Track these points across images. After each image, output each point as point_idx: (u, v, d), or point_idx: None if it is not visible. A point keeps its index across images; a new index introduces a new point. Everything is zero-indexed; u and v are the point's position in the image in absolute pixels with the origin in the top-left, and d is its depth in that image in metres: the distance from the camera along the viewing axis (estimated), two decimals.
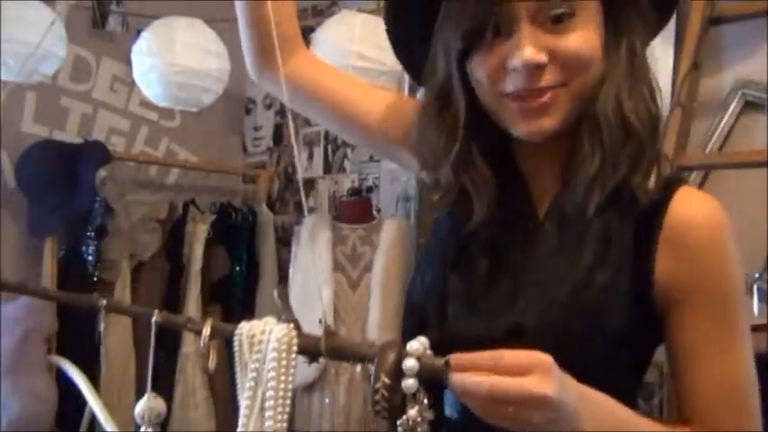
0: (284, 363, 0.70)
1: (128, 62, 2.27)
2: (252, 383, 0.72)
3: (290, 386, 0.70)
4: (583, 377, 0.67)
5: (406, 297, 0.92)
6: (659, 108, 0.79)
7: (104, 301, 0.94)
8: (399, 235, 2.39)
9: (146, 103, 2.85)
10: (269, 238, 2.95)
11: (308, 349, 0.71)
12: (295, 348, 0.71)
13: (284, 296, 0.75)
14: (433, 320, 0.82)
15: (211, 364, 0.78)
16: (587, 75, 0.76)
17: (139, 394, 0.91)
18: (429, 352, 0.64)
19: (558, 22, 0.73)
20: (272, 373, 0.70)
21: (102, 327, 0.95)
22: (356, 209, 2.50)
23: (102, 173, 2.67)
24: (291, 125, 1.04)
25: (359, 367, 2.42)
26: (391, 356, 0.64)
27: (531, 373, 0.61)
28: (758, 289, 1.70)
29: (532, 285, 0.78)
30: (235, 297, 2.85)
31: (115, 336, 2.53)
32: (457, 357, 0.63)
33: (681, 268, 0.76)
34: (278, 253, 2.96)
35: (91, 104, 2.92)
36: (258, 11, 0.94)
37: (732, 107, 1.89)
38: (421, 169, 0.90)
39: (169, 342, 2.63)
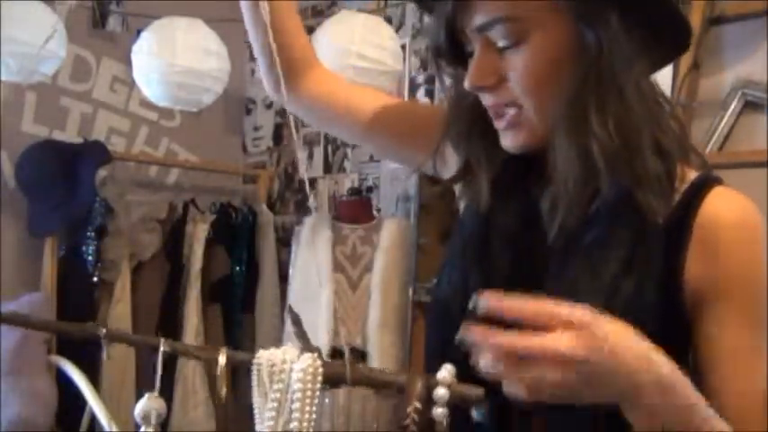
0: (309, 393, 0.70)
1: (128, 62, 2.27)
2: (273, 413, 0.71)
3: (314, 416, 0.70)
4: None
5: (433, 295, 0.93)
6: (648, 124, 0.77)
7: (104, 330, 0.93)
8: (399, 235, 2.39)
9: (146, 103, 2.85)
10: (269, 238, 2.95)
11: (333, 379, 0.71)
12: (320, 378, 0.70)
13: (297, 321, 0.74)
14: (458, 319, 0.82)
15: (223, 392, 0.77)
16: (540, 96, 0.77)
17: (139, 394, 0.91)
18: (455, 380, 0.66)
19: (506, 48, 0.77)
20: (297, 404, 0.69)
21: (105, 355, 0.94)
22: (356, 209, 2.50)
23: (102, 173, 2.67)
24: (292, 125, 1.04)
25: None
26: (420, 383, 0.66)
27: (554, 330, 0.60)
28: None
29: (554, 293, 0.77)
30: (235, 297, 2.85)
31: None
32: (478, 336, 0.61)
33: (712, 268, 0.75)
34: (278, 253, 2.96)
35: (91, 104, 2.92)
36: (274, 36, 0.95)
37: (732, 107, 1.89)
38: (442, 161, 0.92)
39: None
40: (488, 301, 0.62)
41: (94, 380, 2.36)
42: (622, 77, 0.75)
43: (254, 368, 0.73)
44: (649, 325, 0.73)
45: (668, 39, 0.80)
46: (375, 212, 2.59)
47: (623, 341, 0.63)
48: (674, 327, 0.77)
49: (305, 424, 0.69)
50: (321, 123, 1.13)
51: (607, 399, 0.63)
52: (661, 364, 0.64)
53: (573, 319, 0.61)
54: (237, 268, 2.86)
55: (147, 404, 0.89)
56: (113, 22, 2.92)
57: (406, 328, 2.32)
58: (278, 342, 2.80)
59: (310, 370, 0.70)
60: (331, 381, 0.71)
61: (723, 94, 1.92)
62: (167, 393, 2.54)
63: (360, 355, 2.28)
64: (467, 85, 0.79)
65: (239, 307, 2.85)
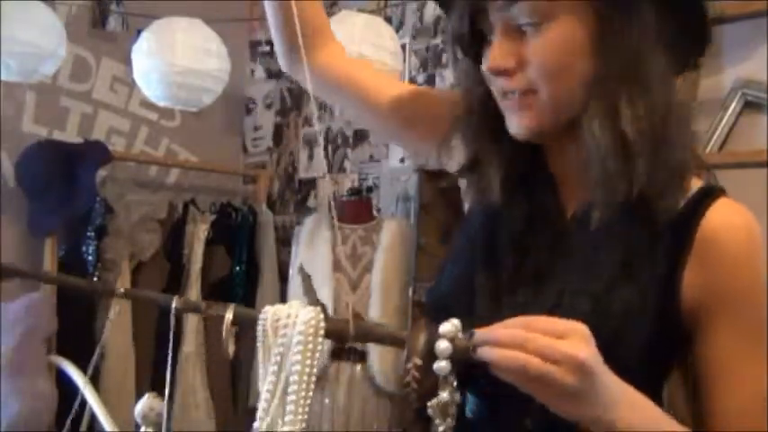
0: (310, 346, 0.68)
1: (128, 62, 2.27)
2: (275, 368, 0.70)
3: (314, 370, 0.69)
4: None
5: (431, 293, 0.92)
6: (672, 118, 0.76)
7: (122, 290, 0.93)
8: (399, 235, 2.39)
9: (146, 103, 2.85)
10: (269, 238, 2.95)
11: (336, 333, 0.70)
12: (322, 332, 0.69)
13: (307, 278, 0.73)
14: (460, 318, 0.82)
15: (230, 350, 0.76)
16: (558, 81, 0.76)
17: (139, 394, 0.91)
18: (460, 334, 0.64)
19: (526, 32, 0.76)
20: (298, 357, 0.68)
21: (112, 313, 0.95)
22: (356, 209, 2.49)
23: (102, 173, 2.67)
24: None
25: (359, 367, 2.42)
26: (422, 338, 0.64)
27: (567, 338, 0.61)
28: None
29: (555, 293, 0.77)
30: (235, 297, 2.84)
31: (115, 335, 2.53)
32: (483, 331, 0.63)
33: (712, 281, 0.75)
34: (278, 253, 2.96)
35: (91, 104, 2.92)
36: (288, 5, 0.95)
37: (732, 107, 1.89)
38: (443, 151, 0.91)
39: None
40: (486, 333, 0.63)
41: (94, 380, 2.37)
42: (650, 67, 0.75)
43: (260, 323, 0.72)
44: (644, 330, 0.75)
45: (689, 38, 0.81)
46: (375, 212, 2.59)
47: (609, 374, 0.65)
48: (669, 333, 0.77)
49: (305, 378, 0.68)
50: (332, 98, 1.14)
51: (585, 415, 0.64)
52: (639, 400, 0.68)
53: (579, 330, 0.62)
54: (237, 268, 2.86)
55: (147, 404, 0.90)
56: (113, 22, 2.91)
57: (407, 329, 2.31)
58: None
59: (312, 323, 0.69)
60: (333, 335, 0.70)
61: (723, 94, 1.91)
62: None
63: (359, 355, 2.28)
64: (485, 67, 0.78)
65: None
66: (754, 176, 1.77)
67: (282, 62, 1.04)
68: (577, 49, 0.75)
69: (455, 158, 0.92)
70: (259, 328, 0.72)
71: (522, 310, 0.76)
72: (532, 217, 0.83)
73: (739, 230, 0.76)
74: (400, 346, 0.66)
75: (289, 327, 0.70)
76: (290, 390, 0.68)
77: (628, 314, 0.74)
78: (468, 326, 0.79)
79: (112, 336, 2.52)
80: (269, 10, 0.99)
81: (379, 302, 2.29)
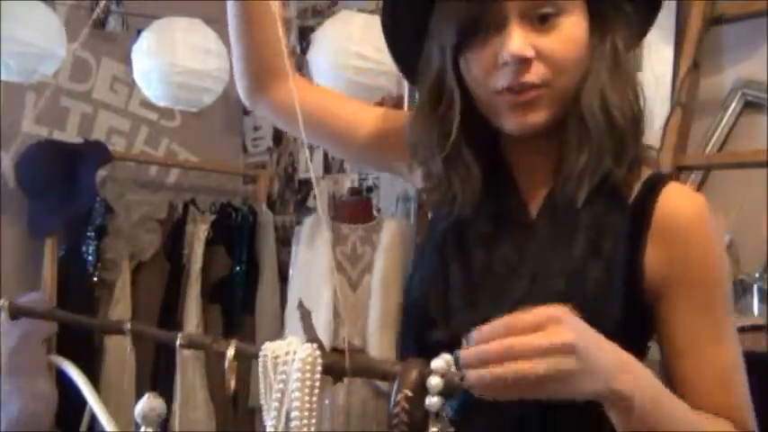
0: (308, 383, 0.71)
1: (128, 62, 2.27)
2: (277, 404, 0.73)
3: (314, 406, 0.71)
4: None
5: (405, 295, 0.94)
6: (641, 107, 0.82)
7: (128, 325, 0.94)
8: (399, 235, 2.39)
9: (146, 103, 2.85)
10: (269, 238, 2.95)
11: (333, 369, 0.72)
12: (319, 369, 0.72)
13: (306, 315, 0.76)
14: (437, 315, 0.84)
15: (232, 385, 0.78)
16: (571, 73, 0.79)
17: (139, 394, 0.91)
18: (453, 368, 0.64)
19: (545, 21, 0.78)
20: (297, 394, 0.71)
21: (129, 347, 0.96)
22: (356, 209, 2.49)
23: (102, 173, 2.67)
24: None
25: None
26: (414, 373, 0.64)
27: (547, 327, 0.60)
28: (758, 289, 1.70)
29: (528, 278, 0.80)
30: (235, 297, 2.85)
31: (115, 336, 2.53)
32: (467, 353, 0.62)
33: (671, 261, 0.79)
34: (278, 253, 2.97)
35: (91, 104, 2.91)
36: (248, 42, 0.97)
37: (732, 107, 1.89)
38: (412, 171, 0.92)
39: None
40: (477, 333, 0.62)
41: (94, 380, 2.37)
42: (626, 53, 0.81)
43: (260, 360, 0.75)
44: (615, 309, 0.78)
45: (643, 16, 0.85)
46: (375, 212, 2.59)
47: (602, 343, 0.66)
48: (638, 314, 0.80)
49: (305, 414, 0.71)
50: (294, 130, 1.13)
51: (597, 389, 0.63)
52: (638, 367, 0.68)
53: (555, 314, 0.62)
54: (237, 268, 2.86)
55: (147, 404, 0.90)
56: (113, 22, 2.91)
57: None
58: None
59: (309, 360, 0.71)
60: (331, 371, 0.72)
61: (723, 94, 1.91)
62: (167, 393, 2.54)
63: None
64: (506, 54, 0.77)
65: (239, 307, 2.85)
66: (754, 176, 1.77)
67: (244, 98, 1.04)
68: (584, 42, 0.80)
69: (417, 174, 0.93)
70: (260, 364, 0.75)
71: (497, 300, 0.80)
72: (496, 214, 0.86)
73: (692, 211, 0.80)
74: (392, 380, 0.66)
75: (288, 364, 0.73)
76: (292, 426, 0.71)
77: (599, 294, 0.78)
78: (445, 322, 0.81)
79: (112, 336, 2.52)
80: (233, 47, 1.00)
81: (379, 302, 2.29)
